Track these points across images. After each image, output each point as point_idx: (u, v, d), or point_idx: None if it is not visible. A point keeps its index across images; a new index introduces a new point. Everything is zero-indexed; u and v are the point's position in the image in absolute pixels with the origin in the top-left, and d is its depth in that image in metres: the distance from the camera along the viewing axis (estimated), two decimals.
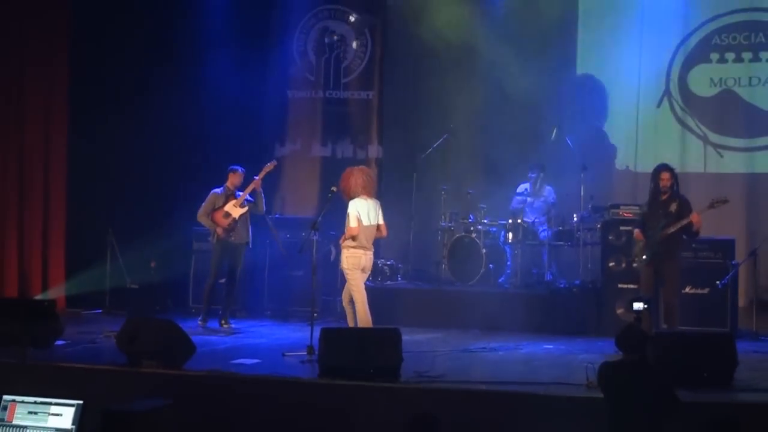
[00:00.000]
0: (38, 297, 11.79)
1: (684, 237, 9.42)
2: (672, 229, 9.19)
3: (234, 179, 10.90)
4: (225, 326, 10.73)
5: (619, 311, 10.32)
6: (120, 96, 12.40)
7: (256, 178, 10.79)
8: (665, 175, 9.35)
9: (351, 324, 9.15)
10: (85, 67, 12.42)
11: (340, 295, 9.50)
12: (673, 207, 9.27)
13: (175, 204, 12.23)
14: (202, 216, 10.89)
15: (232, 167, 10.99)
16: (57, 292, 12.04)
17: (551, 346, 9.85)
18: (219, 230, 10.75)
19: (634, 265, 9.58)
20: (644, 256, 9.30)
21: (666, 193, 9.32)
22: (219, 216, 10.78)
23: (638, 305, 7.84)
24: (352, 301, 9.18)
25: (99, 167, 12.34)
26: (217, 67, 12.40)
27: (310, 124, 13.08)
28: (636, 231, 9.51)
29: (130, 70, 12.43)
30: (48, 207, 12.32)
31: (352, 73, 13.06)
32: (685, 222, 9.17)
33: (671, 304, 9.26)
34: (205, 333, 10.36)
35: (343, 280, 9.39)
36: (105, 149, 12.23)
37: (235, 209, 10.77)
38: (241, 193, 10.83)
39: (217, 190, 10.94)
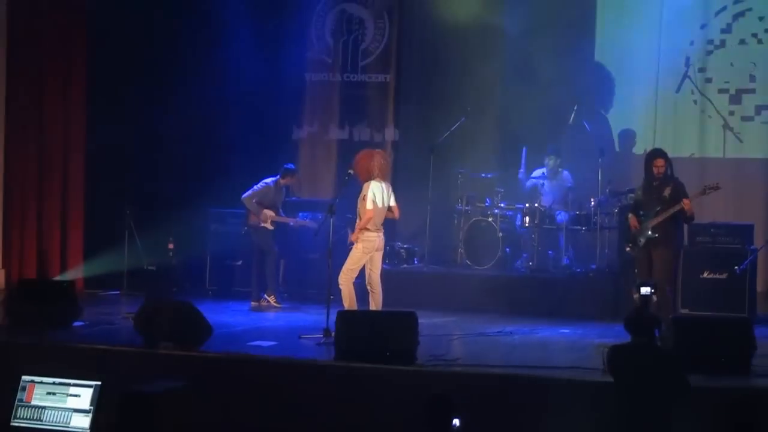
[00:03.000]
0: (57, 278, 11.84)
1: (680, 221, 9.37)
2: (665, 215, 9.11)
3: (289, 179, 11.32)
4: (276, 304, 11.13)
5: (636, 296, 10.25)
6: (138, 77, 12.42)
7: (299, 220, 11.40)
8: (659, 162, 9.24)
9: (348, 303, 9.13)
10: (103, 47, 12.42)
11: (362, 279, 9.44)
12: (667, 191, 9.18)
13: (193, 185, 12.27)
14: (249, 200, 11.09)
15: (289, 167, 11.34)
16: (75, 273, 12.09)
17: (568, 331, 9.84)
18: (254, 219, 11.08)
19: (628, 250, 9.50)
20: (639, 241, 9.24)
21: (660, 179, 9.24)
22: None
23: (646, 289, 7.82)
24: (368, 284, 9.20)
25: (117, 148, 12.37)
26: (234, 50, 12.41)
27: (328, 106, 13.06)
28: (630, 216, 9.39)
29: (149, 50, 12.45)
30: (66, 188, 12.36)
31: (369, 56, 13.01)
32: (676, 208, 9.09)
33: (664, 290, 9.15)
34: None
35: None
36: (122, 132, 12.26)
37: (266, 222, 11.15)
38: (281, 218, 11.31)
39: (270, 182, 11.20)
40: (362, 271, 9.35)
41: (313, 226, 11.04)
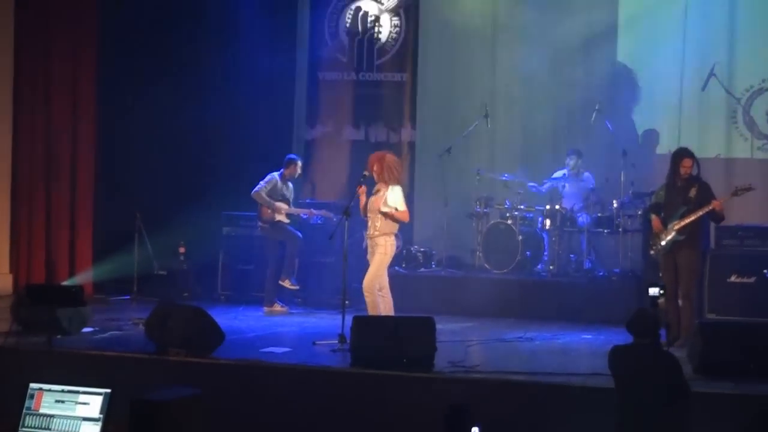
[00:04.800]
0: (65, 283, 11.86)
1: (710, 221, 9.30)
2: (693, 217, 9.04)
3: (293, 170, 11.32)
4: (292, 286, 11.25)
5: (661, 301, 10.21)
6: (149, 76, 12.42)
7: (313, 210, 11.44)
8: (687, 162, 9.14)
9: (375, 312, 9.10)
10: (113, 44, 12.45)
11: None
12: (693, 192, 9.09)
13: (205, 188, 12.28)
14: (260, 194, 11.14)
15: (292, 157, 11.38)
16: (84, 278, 12.10)
17: (590, 336, 9.81)
18: (269, 213, 11.17)
19: (652, 253, 9.44)
20: (663, 244, 9.18)
21: (685, 179, 9.17)
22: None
23: (654, 290, 7.78)
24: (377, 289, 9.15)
25: (127, 151, 12.41)
26: (246, 48, 12.42)
27: (342, 106, 13.04)
28: (654, 218, 9.30)
29: (160, 49, 12.48)
30: (75, 190, 12.39)
31: (385, 54, 12.99)
32: (707, 209, 9.02)
33: (688, 295, 9.07)
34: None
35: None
36: (133, 133, 12.31)
37: (281, 214, 11.19)
38: (295, 209, 11.38)
39: (276, 175, 11.25)
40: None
41: (329, 216, 11.06)
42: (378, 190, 9.21)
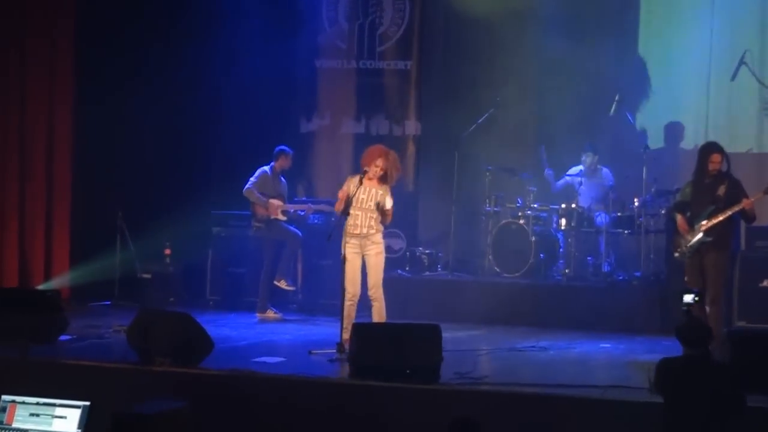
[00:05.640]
0: (41, 287, 11.86)
1: (740, 220, 9.30)
2: (721, 216, 9.03)
3: (284, 162, 11.36)
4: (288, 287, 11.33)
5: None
6: (132, 65, 12.41)
7: (311, 205, 11.49)
8: (716, 157, 9.13)
9: (383, 319, 9.10)
10: (93, 34, 12.42)
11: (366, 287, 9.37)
12: (722, 190, 9.08)
13: (193, 185, 12.28)
14: (252, 192, 11.17)
15: (282, 148, 11.40)
16: (61, 281, 12.10)
17: (609, 345, 9.82)
18: (263, 211, 11.19)
19: (676, 255, 9.42)
20: (688, 246, 9.17)
21: (714, 176, 9.16)
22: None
23: (688, 297, 7.76)
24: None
25: (108, 144, 12.37)
26: (238, 35, 12.42)
27: (342, 97, 13.05)
28: (678, 217, 9.27)
29: (145, 38, 12.46)
30: (51, 188, 12.36)
31: (388, 40, 13.00)
32: (737, 208, 9.01)
33: (716, 301, 9.04)
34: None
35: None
36: (115, 124, 12.26)
37: (277, 211, 11.24)
38: (291, 205, 11.43)
39: (267, 169, 11.30)
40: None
41: (330, 211, 11.05)
42: (370, 187, 9.12)
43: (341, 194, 9.19)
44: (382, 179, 9.16)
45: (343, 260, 9.03)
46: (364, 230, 9.09)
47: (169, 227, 11.81)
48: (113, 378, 8.00)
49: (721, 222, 9.03)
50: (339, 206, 9.20)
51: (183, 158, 12.63)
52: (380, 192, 9.14)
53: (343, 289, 9.04)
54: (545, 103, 12.23)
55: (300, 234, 11.36)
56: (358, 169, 9.34)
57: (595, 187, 11.80)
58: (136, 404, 6.65)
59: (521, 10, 12.25)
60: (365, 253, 9.13)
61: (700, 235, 9.08)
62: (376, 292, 9.11)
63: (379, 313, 9.13)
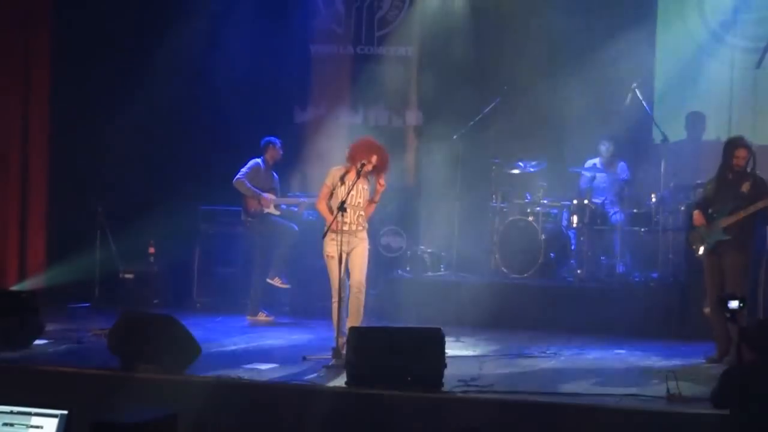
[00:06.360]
0: (14, 288, 11.85)
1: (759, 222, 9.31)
2: (743, 213, 9.03)
3: (273, 153, 11.40)
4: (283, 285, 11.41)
5: (707, 310, 10.21)
6: (111, 51, 12.41)
7: (306, 200, 11.46)
8: (741, 153, 9.17)
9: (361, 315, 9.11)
10: (70, 20, 12.40)
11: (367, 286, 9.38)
12: (745, 187, 9.11)
13: (178, 178, 12.28)
14: (243, 183, 11.17)
15: (269, 139, 11.43)
16: (37, 282, 12.09)
17: (624, 351, 9.82)
18: (256, 205, 11.21)
19: (698, 255, 9.42)
20: (706, 245, 9.17)
21: (738, 172, 9.18)
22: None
23: (734, 303, 7.74)
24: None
25: (87, 135, 12.36)
26: (225, 18, 12.42)
27: (338, 85, 13.08)
28: (696, 213, 9.32)
29: (124, 22, 12.46)
30: (27, 181, 12.34)
31: (387, 24, 13.03)
32: (759, 206, 9.02)
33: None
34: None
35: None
36: (94, 114, 12.27)
37: (270, 204, 11.29)
38: (284, 200, 11.50)
39: (259, 161, 11.33)
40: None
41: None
42: (357, 183, 9.11)
43: (326, 189, 9.17)
44: (377, 174, 9.15)
45: (329, 258, 9.05)
46: (353, 227, 9.12)
47: (153, 223, 11.80)
48: (92, 385, 7.99)
49: (742, 220, 9.05)
50: (322, 204, 9.18)
51: (167, 150, 12.62)
52: (365, 187, 9.15)
53: (334, 291, 9.03)
54: (556, 92, 12.23)
55: (296, 228, 11.35)
56: (346, 159, 9.25)
57: (610, 182, 11.81)
58: (117, 414, 6.65)
59: None
60: (351, 249, 9.14)
61: (718, 232, 9.09)
62: (362, 283, 9.12)
63: (358, 307, 9.08)
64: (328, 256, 9.07)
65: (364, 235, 9.21)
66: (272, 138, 11.45)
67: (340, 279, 8.92)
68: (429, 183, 12.73)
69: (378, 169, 9.12)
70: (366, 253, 9.20)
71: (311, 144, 13.07)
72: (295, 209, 11.54)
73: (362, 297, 9.10)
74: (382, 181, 9.10)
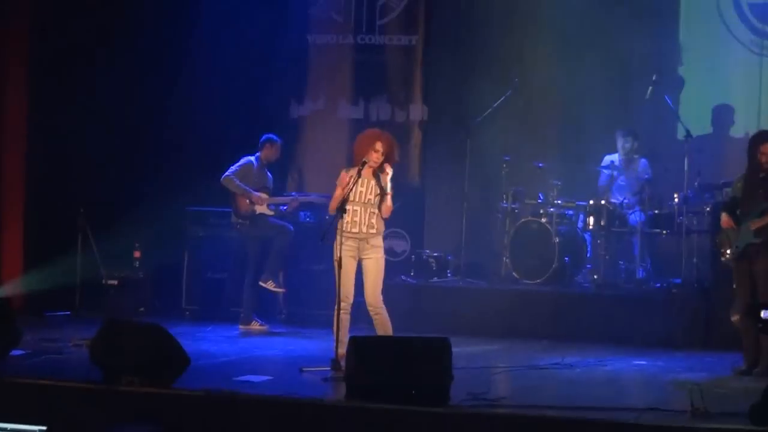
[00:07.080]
0: None
1: None
2: None
3: (270, 152, 11.43)
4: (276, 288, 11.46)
5: (735, 318, 10.20)
6: (94, 42, 12.41)
7: (298, 197, 11.55)
8: (767, 149, 9.20)
9: (388, 332, 9.09)
10: (50, 11, 12.39)
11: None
12: None
13: (165, 178, 12.28)
14: (232, 180, 11.18)
15: (270, 137, 11.45)
16: (12, 288, 12.09)
17: (644, 362, 9.83)
18: (247, 205, 11.23)
19: (725, 258, 9.43)
20: (735, 248, 9.16)
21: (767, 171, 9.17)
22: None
23: (767, 313, 7.75)
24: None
25: (68, 132, 12.36)
26: (217, 6, 12.42)
27: (337, 77, 13.09)
28: (723, 216, 9.33)
29: (108, 10, 12.46)
30: (2, 182, 12.36)
31: (390, 12, 13.03)
32: None
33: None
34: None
35: None
36: (75, 109, 12.27)
37: (262, 205, 11.31)
38: (277, 198, 11.50)
39: (252, 159, 11.33)
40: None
41: (321, 202, 11.03)
42: (368, 178, 9.06)
43: (339, 191, 9.09)
44: (381, 166, 9.09)
45: (338, 264, 8.99)
46: (364, 229, 9.03)
47: (139, 226, 11.84)
48: (73, 399, 7.96)
49: None
50: (334, 205, 9.10)
51: (154, 148, 12.64)
52: (370, 182, 9.06)
53: (337, 298, 9.00)
54: (571, 86, 12.23)
55: (291, 228, 11.34)
56: (352, 161, 9.23)
57: (630, 181, 11.80)
58: (100, 430, 6.64)
59: None
60: (363, 257, 9.08)
61: (748, 234, 9.08)
62: (377, 303, 9.06)
63: (383, 326, 9.09)
64: (336, 260, 9.01)
65: (377, 241, 9.07)
66: (273, 136, 11.46)
67: (343, 287, 8.91)
68: (434, 182, 12.74)
69: (387, 157, 9.05)
70: (380, 266, 9.07)
71: (309, 140, 13.10)
72: (284, 209, 11.46)
73: (383, 315, 9.04)
74: (387, 169, 9.01)
